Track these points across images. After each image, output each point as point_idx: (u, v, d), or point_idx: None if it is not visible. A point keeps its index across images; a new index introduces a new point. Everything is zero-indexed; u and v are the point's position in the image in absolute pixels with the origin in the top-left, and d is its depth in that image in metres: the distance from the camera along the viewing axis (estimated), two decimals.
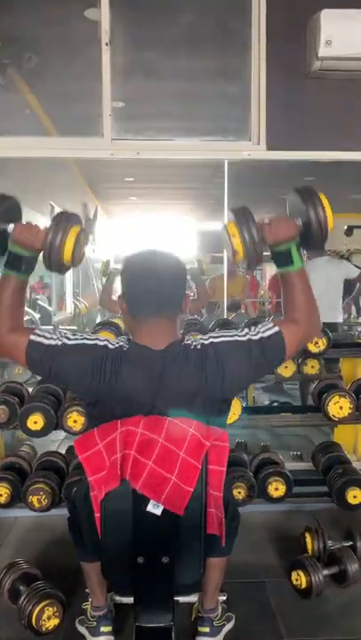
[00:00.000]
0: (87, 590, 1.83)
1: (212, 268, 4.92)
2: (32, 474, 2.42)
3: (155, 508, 1.33)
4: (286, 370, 2.53)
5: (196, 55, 3.05)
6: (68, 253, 1.41)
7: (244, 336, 1.41)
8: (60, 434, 2.61)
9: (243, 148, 2.86)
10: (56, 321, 5.32)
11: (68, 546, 1.78)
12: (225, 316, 3.34)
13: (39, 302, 5.09)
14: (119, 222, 8.66)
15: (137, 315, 1.44)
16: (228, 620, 1.86)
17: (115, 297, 3.36)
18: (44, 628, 1.80)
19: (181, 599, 1.68)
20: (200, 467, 1.33)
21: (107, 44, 2.72)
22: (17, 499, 2.35)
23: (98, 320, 4.87)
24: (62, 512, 2.01)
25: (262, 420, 2.95)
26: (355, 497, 2.38)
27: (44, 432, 2.31)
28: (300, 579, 2.03)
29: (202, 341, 1.42)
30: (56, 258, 1.42)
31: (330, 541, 2.16)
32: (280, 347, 1.40)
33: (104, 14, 2.72)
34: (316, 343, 2.46)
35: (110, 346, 1.41)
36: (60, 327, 5.31)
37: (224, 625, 1.84)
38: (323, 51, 2.55)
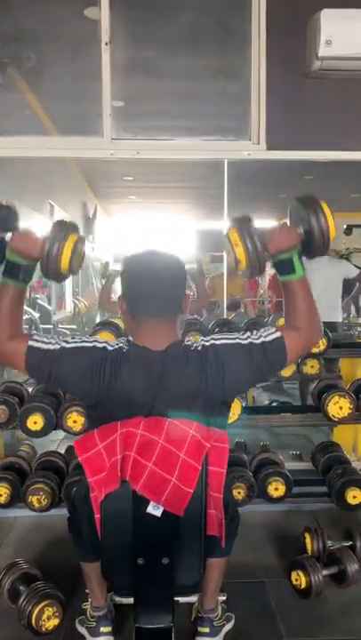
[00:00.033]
0: (87, 590, 1.83)
1: (211, 267, 4.92)
2: (32, 474, 2.42)
3: (155, 510, 1.33)
4: (286, 370, 2.52)
5: (196, 54, 3.04)
6: (65, 262, 1.41)
7: (246, 339, 1.41)
8: (60, 434, 2.60)
9: (243, 148, 2.86)
10: (55, 320, 5.31)
11: (67, 546, 1.78)
12: (225, 316, 3.34)
13: (39, 301, 5.08)
14: (118, 221, 8.67)
15: (137, 315, 1.44)
16: (227, 620, 1.86)
17: (114, 298, 3.36)
18: (43, 629, 1.80)
19: (181, 599, 1.68)
20: (200, 468, 1.33)
21: (106, 44, 2.71)
22: (17, 499, 2.35)
23: (97, 319, 4.89)
24: (62, 512, 2.01)
25: (262, 420, 2.95)
26: (354, 497, 2.39)
27: (43, 432, 2.31)
28: (299, 579, 2.03)
29: (203, 343, 1.42)
30: (53, 267, 1.42)
31: (329, 541, 2.17)
32: (281, 351, 1.40)
33: (104, 13, 2.71)
34: (316, 343, 2.46)
35: (109, 347, 1.41)
36: (60, 326, 5.32)
37: (224, 625, 1.84)
38: (323, 50, 2.54)
